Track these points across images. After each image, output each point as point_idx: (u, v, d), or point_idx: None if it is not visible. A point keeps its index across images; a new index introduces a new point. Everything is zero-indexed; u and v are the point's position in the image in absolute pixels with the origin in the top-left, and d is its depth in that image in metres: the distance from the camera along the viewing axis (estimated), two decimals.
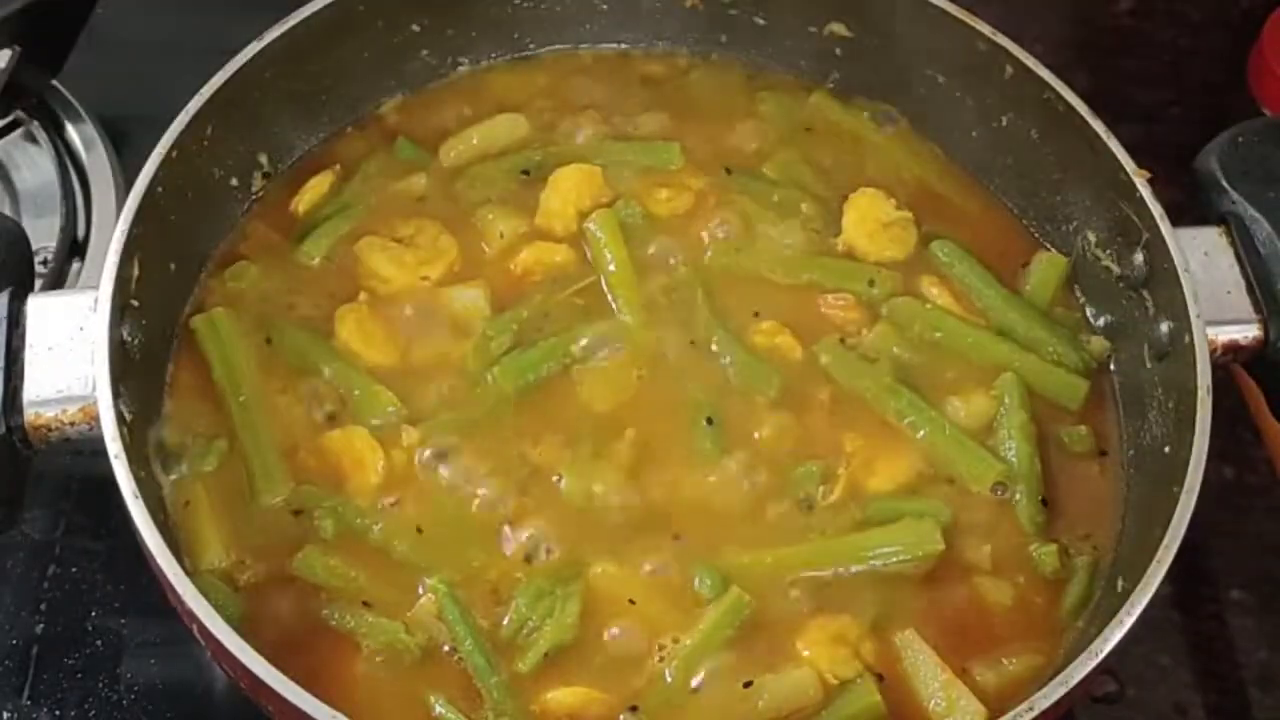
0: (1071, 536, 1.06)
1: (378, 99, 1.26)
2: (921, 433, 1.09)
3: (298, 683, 0.87)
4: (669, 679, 0.98)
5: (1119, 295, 1.13)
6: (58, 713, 1.12)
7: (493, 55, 1.30)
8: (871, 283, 1.16)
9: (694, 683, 0.98)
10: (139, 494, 0.93)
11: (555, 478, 1.06)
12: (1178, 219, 1.07)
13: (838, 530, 1.05)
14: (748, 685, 0.98)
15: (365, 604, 1.00)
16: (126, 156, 1.40)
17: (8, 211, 1.34)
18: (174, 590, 0.91)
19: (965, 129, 1.23)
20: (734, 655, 0.99)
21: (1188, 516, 0.95)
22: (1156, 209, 1.07)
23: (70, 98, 1.43)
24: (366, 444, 1.06)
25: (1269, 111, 1.53)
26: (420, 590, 1.00)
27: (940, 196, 1.23)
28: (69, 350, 1.00)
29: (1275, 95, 1.52)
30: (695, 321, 1.14)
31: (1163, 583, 0.93)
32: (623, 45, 1.31)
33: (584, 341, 1.12)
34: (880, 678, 0.99)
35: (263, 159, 1.20)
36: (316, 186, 1.20)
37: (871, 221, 1.19)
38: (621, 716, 0.97)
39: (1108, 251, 1.14)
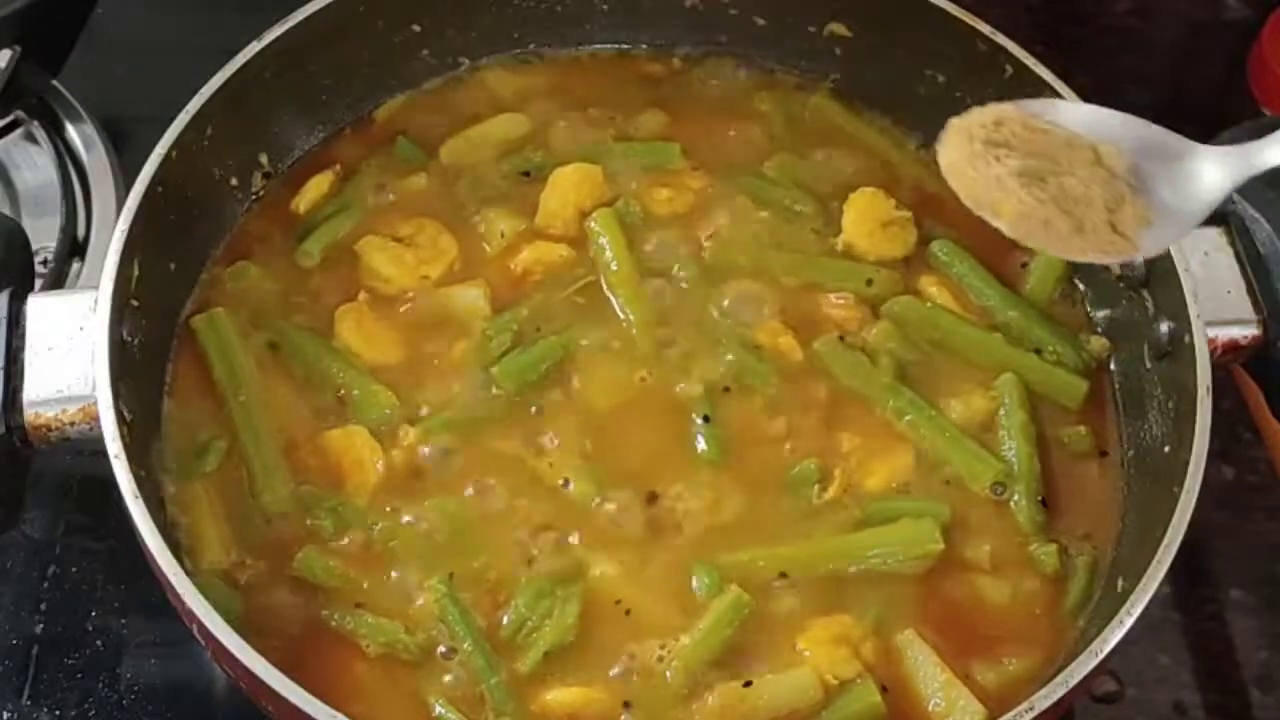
0: (1071, 536, 1.06)
1: (378, 99, 1.26)
2: (921, 432, 1.09)
3: (298, 683, 0.87)
4: (669, 679, 0.98)
5: (1119, 295, 1.13)
6: (58, 713, 1.12)
7: (493, 55, 1.30)
8: (870, 282, 1.16)
9: (693, 682, 0.98)
10: (139, 494, 0.93)
11: (554, 478, 1.06)
12: None
13: (837, 529, 1.05)
14: (748, 685, 0.98)
15: (364, 604, 1.00)
16: (126, 156, 1.40)
17: (8, 211, 1.34)
18: (174, 590, 0.91)
19: None
20: (734, 655, 0.99)
21: (1188, 516, 0.95)
22: None
23: (70, 98, 1.43)
24: (366, 444, 1.06)
25: (1269, 111, 1.53)
26: (421, 590, 1.00)
27: (939, 196, 1.23)
28: (69, 350, 1.00)
29: (1275, 95, 1.52)
30: (695, 321, 1.14)
31: (1163, 583, 0.93)
32: (623, 45, 1.31)
33: (584, 341, 1.12)
34: (884, 689, 0.98)
35: (263, 159, 1.20)
36: (316, 186, 1.20)
37: (871, 221, 1.19)
38: (622, 717, 0.97)
39: None
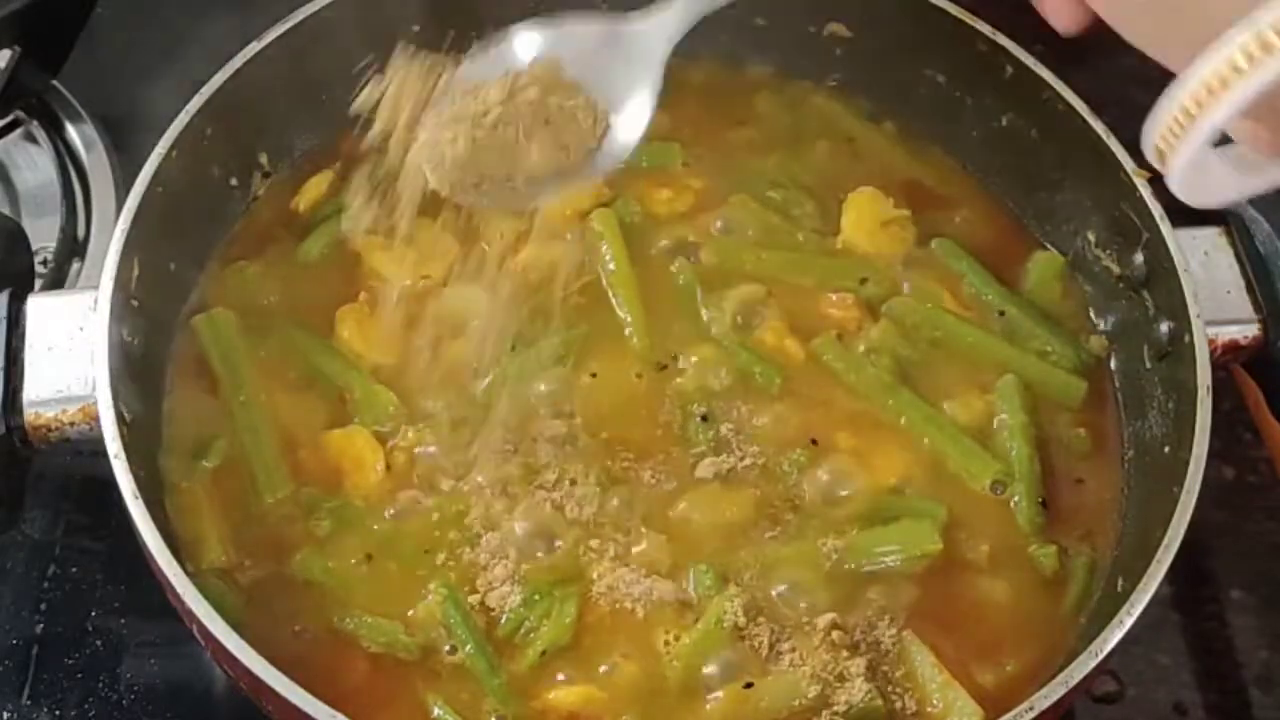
0: (1071, 537, 1.06)
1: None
2: (919, 431, 1.09)
3: (298, 683, 0.87)
4: (668, 679, 0.98)
5: (1119, 295, 1.13)
6: (58, 713, 1.11)
7: None
8: (864, 280, 1.16)
9: (693, 683, 0.98)
10: (139, 494, 0.93)
11: (554, 478, 1.05)
12: (1178, 219, 1.07)
13: (835, 529, 1.04)
14: (748, 687, 0.97)
15: (364, 605, 1.00)
16: (126, 156, 1.39)
17: (8, 211, 1.34)
18: (174, 590, 0.91)
19: (965, 129, 1.23)
20: (734, 655, 0.99)
21: (1188, 516, 0.95)
22: (1156, 209, 1.07)
23: (70, 98, 1.43)
24: (366, 444, 1.06)
25: None
26: (420, 591, 1.00)
27: (939, 196, 1.23)
28: (69, 350, 1.00)
29: None
30: (694, 320, 1.14)
31: (1163, 583, 0.93)
32: None
33: (584, 340, 1.12)
34: (881, 688, 0.98)
35: (263, 159, 1.20)
36: (316, 186, 1.20)
37: (870, 220, 1.19)
38: (622, 718, 0.97)
39: (1108, 251, 1.14)
